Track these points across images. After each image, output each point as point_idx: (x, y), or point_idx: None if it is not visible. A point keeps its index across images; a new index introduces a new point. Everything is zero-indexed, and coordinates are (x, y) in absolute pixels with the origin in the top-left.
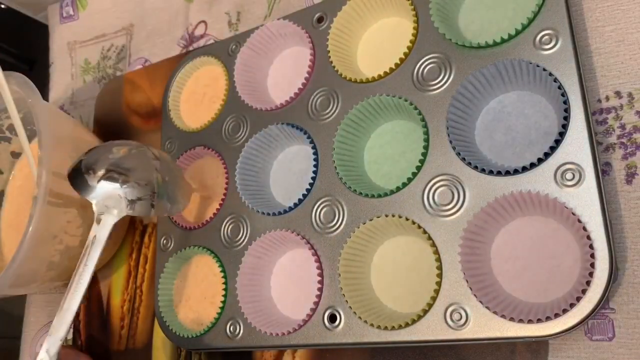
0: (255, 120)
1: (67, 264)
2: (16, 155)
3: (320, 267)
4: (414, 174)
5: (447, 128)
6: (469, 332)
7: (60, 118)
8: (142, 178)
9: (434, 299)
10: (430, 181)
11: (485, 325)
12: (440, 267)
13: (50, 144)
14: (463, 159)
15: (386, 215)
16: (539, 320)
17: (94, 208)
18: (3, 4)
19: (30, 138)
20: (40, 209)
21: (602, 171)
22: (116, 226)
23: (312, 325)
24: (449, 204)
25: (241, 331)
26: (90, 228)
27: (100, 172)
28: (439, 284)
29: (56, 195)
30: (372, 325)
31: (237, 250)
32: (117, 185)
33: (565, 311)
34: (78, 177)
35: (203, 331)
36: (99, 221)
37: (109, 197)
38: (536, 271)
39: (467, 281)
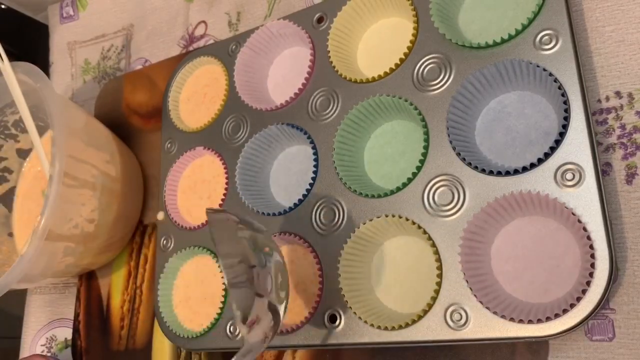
0: (255, 120)
1: (82, 250)
2: (22, 153)
3: (320, 268)
4: (414, 174)
5: (447, 128)
6: (469, 332)
7: (68, 102)
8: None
9: (434, 299)
10: (430, 181)
11: (485, 325)
12: (440, 267)
13: (62, 125)
14: (463, 159)
15: (386, 216)
16: (539, 321)
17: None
18: (3, 4)
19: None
20: (55, 188)
21: (602, 171)
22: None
23: (312, 325)
24: (449, 204)
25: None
26: (105, 212)
27: None
28: (439, 284)
29: (70, 177)
30: (372, 325)
31: None
32: None
33: (565, 311)
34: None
35: (203, 331)
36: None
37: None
38: (536, 271)
39: (467, 281)
